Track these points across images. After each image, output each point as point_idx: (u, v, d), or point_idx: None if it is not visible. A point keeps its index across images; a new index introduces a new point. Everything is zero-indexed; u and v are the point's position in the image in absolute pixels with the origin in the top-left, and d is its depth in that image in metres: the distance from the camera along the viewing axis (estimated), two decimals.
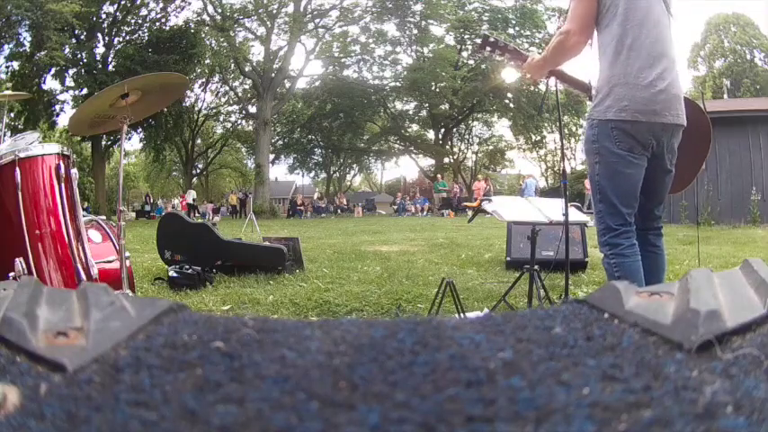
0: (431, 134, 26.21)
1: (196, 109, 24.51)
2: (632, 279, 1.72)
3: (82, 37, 18.85)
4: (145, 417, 0.22)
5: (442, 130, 25.56)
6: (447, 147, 26.11)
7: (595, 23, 1.87)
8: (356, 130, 26.78)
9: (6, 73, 17.93)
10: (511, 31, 22.30)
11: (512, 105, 23.94)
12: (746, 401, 0.23)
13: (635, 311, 0.33)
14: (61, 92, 19.63)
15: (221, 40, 21.21)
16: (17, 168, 1.94)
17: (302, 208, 19.80)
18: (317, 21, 21.91)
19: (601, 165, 1.84)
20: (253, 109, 23.39)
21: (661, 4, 1.84)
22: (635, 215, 1.92)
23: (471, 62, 23.17)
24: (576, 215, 2.82)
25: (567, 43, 1.86)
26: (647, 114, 1.76)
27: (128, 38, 20.26)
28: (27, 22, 16.52)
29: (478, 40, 2.23)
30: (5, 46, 17.35)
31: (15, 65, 17.95)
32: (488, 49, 2.17)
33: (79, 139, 19.15)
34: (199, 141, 26.72)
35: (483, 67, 22.04)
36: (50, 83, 19.42)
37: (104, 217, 2.84)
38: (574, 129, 22.13)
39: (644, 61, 1.76)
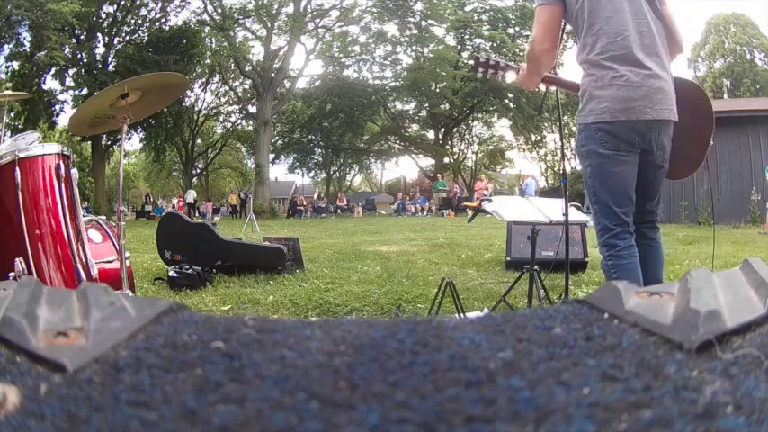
0: (431, 134, 26.22)
1: (196, 109, 24.53)
2: (629, 280, 1.72)
3: (82, 37, 18.86)
4: (145, 417, 0.22)
5: (442, 130, 25.57)
6: (447, 147, 26.12)
7: (574, 34, 1.89)
8: (356, 130, 26.78)
9: (6, 73, 17.94)
10: (511, 31, 22.31)
11: (512, 105, 23.93)
12: (746, 401, 0.23)
13: (635, 311, 0.33)
14: (61, 92, 19.67)
15: (221, 40, 21.21)
16: (17, 168, 1.94)
17: (302, 208, 19.81)
18: (317, 21, 21.92)
19: (591, 167, 1.86)
20: (253, 109, 23.40)
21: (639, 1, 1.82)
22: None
23: (471, 62, 23.14)
24: (576, 215, 2.83)
25: (534, 53, 1.90)
26: (627, 113, 1.76)
27: (128, 38, 20.28)
28: (27, 22, 16.53)
29: (476, 59, 2.26)
30: (5, 46, 17.38)
31: (15, 65, 17.98)
32: (481, 69, 2.20)
33: (79, 139, 19.16)
34: (199, 141, 26.72)
35: None
36: (50, 83, 19.48)
37: (104, 217, 2.84)
38: (574, 129, 22.02)
39: (620, 61, 1.75)
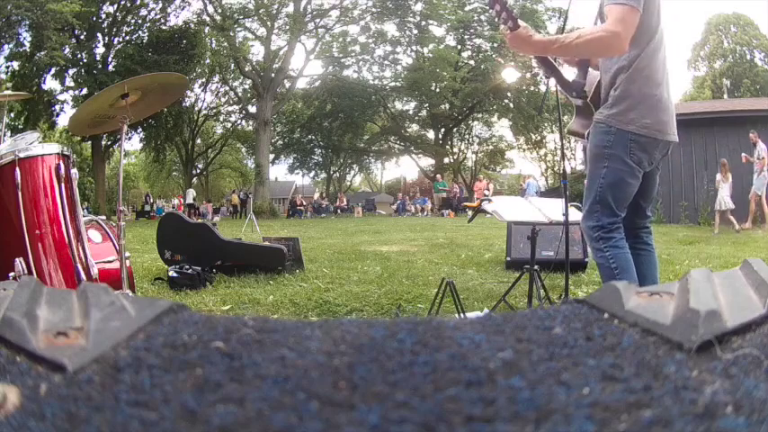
0: (431, 134, 26.22)
1: (196, 109, 24.52)
2: (628, 269, 1.87)
3: (82, 37, 18.85)
4: (145, 417, 0.22)
5: (442, 130, 25.56)
6: (447, 147, 26.11)
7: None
8: (356, 130, 26.77)
9: (6, 73, 17.94)
10: None
11: (512, 106, 23.94)
12: (746, 401, 0.23)
13: (635, 311, 0.33)
14: (61, 92, 19.66)
15: (221, 40, 21.21)
16: (17, 168, 1.94)
17: (302, 208, 19.82)
18: (317, 21, 21.92)
19: (608, 170, 1.93)
20: (253, 109, 23.40)
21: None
22: (628, 216, 2.02)
23: (471, 62, 23.18)
24: (576, 215, 2.82)
25: (611, 44, 1.78)
26: (663, 134, 1.92)
27: (128, 38, 20.27)
28: (27, 22, 16.53)
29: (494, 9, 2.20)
30: (5, 46, 17.37)
31: (15, 65, 17.97)
32: (497, 8, 2.12)
33: (79, 139, 19.15)
34: (199, 141, 26.72)
35: (483, 67, 22.04)
36: (50, 83, 19.46)
37: (104, 217, 2.84)
38: None
39: (665, 84, 1.92)
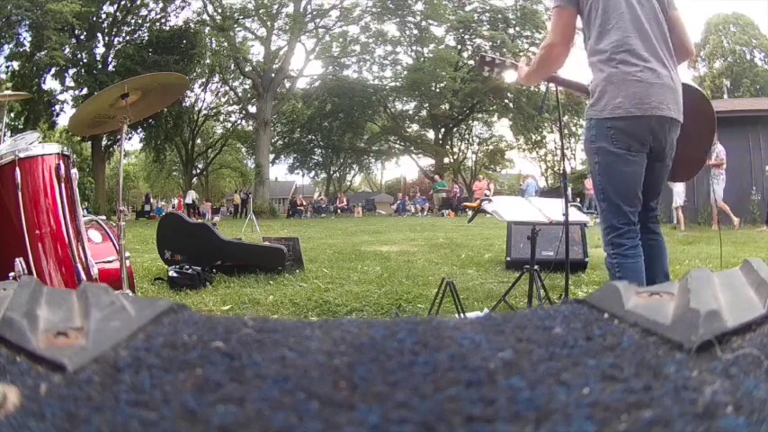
0: (431, 134, 26.24)
1: (196, 109, 24.54)
2: (632, 280, 1.74)
3: (82, 37, 18.87)
4: (145, 417, 0.22)
5: (442, 130, 25.58)
6: (447, 147, 26.13)
7: (584, 29, 1.90)
8: (356, 130, 26.79)
9: (6, 73, 17.94)
10: (511, 31, 22.31)
11: (512, 105, 23.95)
12: (746, 401, 0.23)
13: (635, 311, 0.33)
14: (61, 92, 19.69)
15: (221, 40, 21.23)
16: (17, 168, 1.94)
17: (302, 208, 19.84)
18: (317, 21, 21.94)
19: (600, 165, 1.86)
20: (253, 109, 23.42)
21: (651, 3, 1.84)
22: None
23: (471, 62, 23.20)
24: (576, 215, 2.82)
25: (550, 56, 1.92)
26: (642, 108, 1.77)
27: (128, 38, 20.29)
28: (27, 22, 16.55)
29: (479, 56, 2.33)
30: (5, 46, 17.40)
31: (15, 65, 17.99)
32: (487, 68, 2.25)
33: (79, 139, 19.16)
34: (199, 141, 26.73)
35: None
36: (50, 83, 19.49)
37: (104, 217, 2.84)
38: (574, 129, 22.14)
39: (634, 58, 1.77)
